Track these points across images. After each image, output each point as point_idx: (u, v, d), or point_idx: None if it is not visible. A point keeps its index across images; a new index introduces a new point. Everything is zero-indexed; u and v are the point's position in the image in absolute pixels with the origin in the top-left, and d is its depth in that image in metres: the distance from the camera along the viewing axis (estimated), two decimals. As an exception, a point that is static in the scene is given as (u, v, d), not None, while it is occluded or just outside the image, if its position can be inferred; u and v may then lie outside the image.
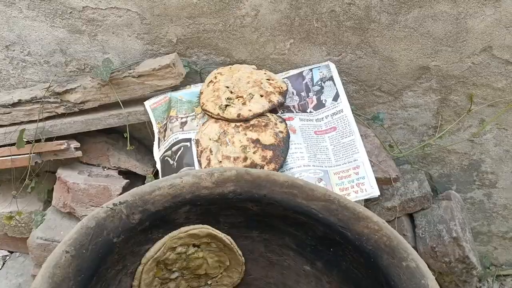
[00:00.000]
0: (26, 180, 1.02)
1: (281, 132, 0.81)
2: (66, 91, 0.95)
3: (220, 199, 0.54)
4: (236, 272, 0.63)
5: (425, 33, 0.91)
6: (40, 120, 0.97)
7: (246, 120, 0.82)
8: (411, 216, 1.12)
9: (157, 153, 0.89)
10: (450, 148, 1.10)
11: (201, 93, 0.91)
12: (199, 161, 0.81)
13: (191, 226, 0.56)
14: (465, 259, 1.00)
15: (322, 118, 0.87)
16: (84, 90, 0.95)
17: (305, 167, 0.78)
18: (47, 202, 1.16)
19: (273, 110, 0.86)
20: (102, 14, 0.95)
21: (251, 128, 0.81)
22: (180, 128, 0.88)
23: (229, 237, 0.59)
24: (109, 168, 1.07)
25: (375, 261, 0.48)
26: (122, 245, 0.49)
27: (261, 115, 0.83)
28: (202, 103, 0.88)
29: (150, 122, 0.94)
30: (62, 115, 0.99)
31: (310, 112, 0.89)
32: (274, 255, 0.62)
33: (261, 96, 0.85)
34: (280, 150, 0.78)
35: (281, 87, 0.88)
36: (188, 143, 0.84)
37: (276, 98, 0.86)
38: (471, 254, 1.00)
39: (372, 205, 1.06)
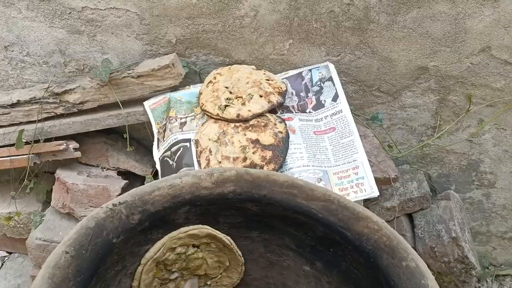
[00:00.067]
0: (25, 180, 1.02)
1: (281, 132, 0.81)
2: (65, 92, 0.95)
3: (219, 199, 0.54)
4: (235, 273, 0.63)
5: (423, 33, 0.92)
6: (39, 121, 0.97)
7: (246, 120, 0.82)
8: (410, 216, 1.12)
9: (156, 154, 0.89)
10: (449, 148, 1.10)
11: (200, 93, 0.91)
12: (198, 162, 0.81)
13: (191, 227, 0.56)
14: (464, 259, 1.00)
15: (322, 118, 0.87)
16: (83, 90, 0.95)
17: (304, 167, 0.78)
18: (46, 203, 1.15)
19: (272, 111, 0.86)
20: (101, 15, 0.94)
21: (250, 129, 0.81)
22: (180, 128, 0.88)
23: (228, 238, 0.59)
24: (108, 169, 1.07)
25: (375, 261, 0.48)
26: (122, 246, 0.49)
27: (260, 115, 0.84)
28: (202, 103, 0.88)
29: (149, 123, 0.94)
30: (61, 116, 0.99)
31: (310, 112, 0.89)
32: (274, 255, 0.62)
33: (261, 96, 0.85)
34: (280, 150, 0.78)
35: (281, 88, 0.89)
36: (187, 144, 0.84)
37: (275, 99, 0.86)
38: (470, 254, 1.01)
39: (372, 205, 1.06)
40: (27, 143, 0.97)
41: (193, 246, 0.58)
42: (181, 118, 0.89)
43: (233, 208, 0.56)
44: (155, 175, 1.03)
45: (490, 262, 1.29)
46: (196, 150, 0.82)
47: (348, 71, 0.99)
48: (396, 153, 1.06)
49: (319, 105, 0.89)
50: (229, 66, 0.97)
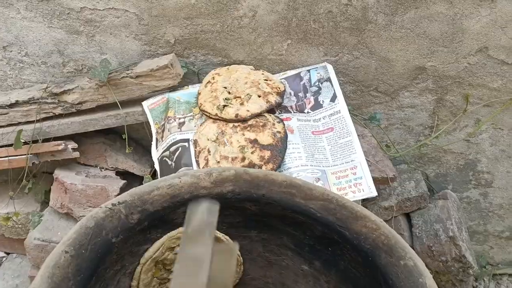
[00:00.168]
0: (24, 181, 1.02)
1: (279, 132, 0.81)
2: (64, 92, 0.95)
3: (218, 199, 0.54)
4: (234, 272, 0.63)
5: (421, 33, 0.92)
6: (38, 121, 0.97)
7: (244, 120, 0.83)
8: (408, 216, 1.12)
9: (155, 154, 0.89)
10: (446, 148, 1.10)
11: (199, 93, 0.91)
12: (197, 162, 0.81)
13: (190, 226, 0.56)
14: (462, 258, 1.00)
15: (320, 118, 0.88)
16: (81, 90, 0.95)
17: (302, 167, 0.78)
18: (44, 203, 1.15)
19: (271, 111, 0.87)
20: (100, 15, 0.95)
21: (249, 129, 0.81)
22: (178, 128, 0.88)
23: (227, 237, 0.59)
24: (106, 169, 1.07)
25: (373, 260, 0.48)
26: (121, 245, 0.49)
27: (259, 115, 0.84)
28: (200, 103, 0.88)
29: (148, 123, 0.94)
30: (60, 116, 0.98)
31: (308, 112, 0.89)
32: (272, 255, 0.63)
33: (259, 96, 0.85)
34: (278, 150, 0.79)
35: (279, 88, 0.89)
36: (186, 144, 0.84)
37: (273, 99, 0.86)
38: (467, 253, 1.01)
39: (370, 205, 1.06)
40: (25, 143, 0.97)
41: (192, 245, 0.58)
42: (179, 118, 0.89)
43: (231, 207, 0.56)
44: (153, 175, 1.04)
45: (487, 261, 1.29)
46: (195, 150, 0.83)
47: (346, 71, 1.00)
48: (394, 153, 1.07)
49: (317, 106, 0.89)
50: (227, 66, 0.97)
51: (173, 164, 0.83)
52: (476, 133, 1.07)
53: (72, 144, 1.00)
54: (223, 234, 0.58)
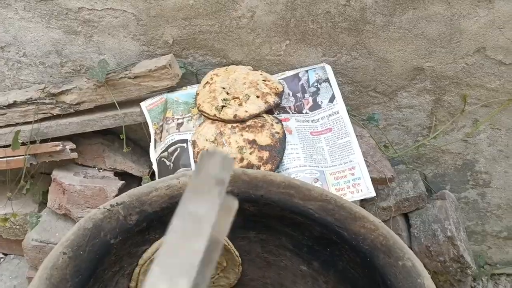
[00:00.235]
0: (21, 181, 1.02)
1: (277, 133, 0.81)
2: (62, 92, 0.95)
3: (217, 199, 0.54)
4: (233, 273, 0.63)
5: (419, 34, 0.92)
6: (36, 122, 0.97)
7: (243, 121, 0.83)
8: (406, 216, 1.13)
9: (153, 154, 0.89)
10: (444, 148, 1.10)
11: (197, 94, 0.91)
12: (195, 162, 0.81)
13: (188, 227, 0.56)
14: (460, 258, 1.01)
15: (318, 119, 0.88)
16: (79, 91, 0.94)
17: (301, 167, 0.78)
18: (42, 204, 1.15)
19: (269, 111, 0.87)
20: (98, 15, 0.94)
21: (247, 129, 0.81)
22: (177, 129, 0.88)
23: (226, 238, 0.59)
24: (104, 170, 1.07)
25: (371, 260, 0.48)
26: (119, 246, 0.49)
27: (257, 116, 0.84)
28: (199, 104, 0.88)
29: (146, 123, 0.94)
30: (58, 116, 0.98)
31: (306, 113, 0.89)
32: (271, 255, 0.63)
33: (257, 97, 0.85)
34: (277, 151, 0.79)
35: (277, 88, 0.89)
36: (184, 144, 0.84)
37: (272, 99, 0.86)
38: (465, 253, 1.01)
39: (368, 205, 1.06)
40: (23, 144, 0.96)
41: (191, 246, 0.58)
42: (178, 119, 0.89)
43: (230, 208, 0.56)
44: (152, 176, 1.03)
45: (486, 261, 1.30)
46: (193, 151, 0.82)
47: (344, 71, 1.00)
48: (392, 153, 1.07)
49: (315, 106, 0.89)
50: (226, 67, 0.97)
51: (172, 165, 0.83)
52: (474, 134, 1.07)
53: (70, 145, 1.00)
54: (222, 235, 0.58)
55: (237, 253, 0.61)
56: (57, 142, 0.98)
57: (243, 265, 0.63)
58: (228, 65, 0.99)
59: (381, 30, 0.92)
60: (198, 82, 0.98)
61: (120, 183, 1.02)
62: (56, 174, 1.03)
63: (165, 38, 0.97)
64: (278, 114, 0.88)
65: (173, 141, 0.86)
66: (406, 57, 0.96)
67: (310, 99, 0.90)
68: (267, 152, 0.78)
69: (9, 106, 0.97)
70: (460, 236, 1.03)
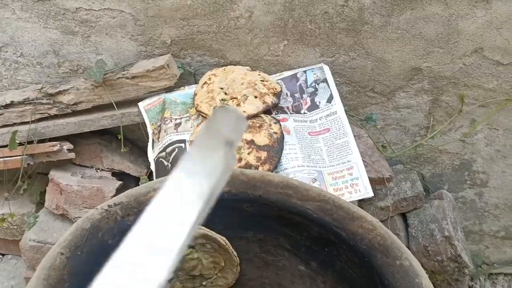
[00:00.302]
0: (19, 182, 1.02)
1: (276, 133, 0.81)
2: (59, 92, 0.95)
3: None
4: (231, 273, 0.63)
5: (417, 34, 0.92)
6: (33, 122, 0.96)
7: (241, 121, 0.82)
8: (404, 216, 1.13)
9: (151, 155, 0.89)
10: (442, 148, 1.11)
11: (195, 94, 0.91)
12: (193, 162, 0.81)
13: (186, 227, 0.56)
14: (457, 258, 1.01)
15: (316, 119, 0.88)
16: (77, 91, 0.94)
17: (299, 167, 0.78)
18: (40, 204, 1.15)
19: (267, 111, 0.87)
20: (95, 15, 0.94)
21: (245, 129, 0.81)
22: (175, 129, 0.88)
23: (224, 238, 0.59)
24: (102, 170, 1.07)
25: (369, 260, 0.48)
26: (117, 247, 0.49)
27: (255, 116, 0.84)
28: (197, 104, 0.88)
29: (144, 124, 0.94)
30: (55, 117, 0.98)
31: (304, 113, 0.89)
32: (269, 255, 0.63)
33: (256, 97, 0.85)
34: (275, 151, 0.79)
35: (275, 89, 0.89)
36: (182, 145, 0.84)
37: (270, 99, 0.86)
38: (463, 253, 1.02)
39: (366, 205, 1.07)
40: (20, 144, 0.96)
41: (189, 246, 0.58)
42: (176, 119, 0.89)
43: (228, 208, 0.56)
44: (149, 176, 1.03)
45: (483, 260, 1.30)
46: (191, 151, 0.82)
47: (342, 72, 1.00)
48: (390, 153, 1.07)
49: (313, 106, 0.89)
50: (224, 67, 0.97)
51: (170, 165, 0.83)
52: (472, 134, 1.07)
53: (67, 145, 1.00)
54: (220, 235, 0.58)
55: (235, 253, 0.61)
56: (54, 142, 0.98)
57: (241, 265, 0.63)
58: (226, 66, 0.99)
59: (379, 30, 0.93)
60: (196, 82, 0.98)
61: (118, 183, 1.02)
62: (54, 174, 1.03)
63: (163, 38, 0.97)
64: (276, 114, 0.88)
65: (171, 141, 0.86)
66: (404, 57, 0.96)
67: (308, 99, 0.90)
68: (265, 152, 0.78)
69: (6, 106, 0.97)
70: (458, 235, 1.04)
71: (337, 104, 0.87)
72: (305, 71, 0.94)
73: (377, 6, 0.89)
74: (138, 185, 0.54)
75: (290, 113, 0.90)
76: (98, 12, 0.94)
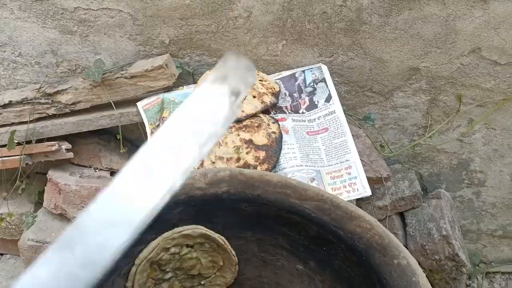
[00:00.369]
0: (17, 181, 1.01)
1: (274, 132, 0.81)
2: (57, 92, 0.95)
3: (213, 199, 0.54)
4: (229, 272, 0.64)
5: (415, 34, 0.93)
6: (31, 121, 0.96)
7: (239, 120, 0.83)
8: (401, 215, 1.13)
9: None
10: (440, 147, 1.11)
11: (194, 94, 0.91)
12: (192, 162, 0.81)
13: (185, 227, 0.57)
14: (455, 256, 1.01)
15: (315, 119, 0.88)
16: (75, 91, 0.94)
17: (297, 167, 0.78)
18: (38, 204, 1.15)
19: (265, 111, 0.87)
20: (93, 15, 0.94)
21: (244, 129, 0.81)
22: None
23: (222, 237, 0.59)
24: (101, 169, 1.07)
25: (367, 259, 0.49)
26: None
27: (254, 115, 0.84)
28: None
29: (142, 123, 0.94)
30: (53, 116, 0.98)
31: (303, 113, 0.89)
32: (268, 255, 0.63)
33: (254, 97, 0.86)
34: (273, 151, 0.79)
35: (274, 88, 0.89)
36: (181, 144, 0.84)
37: (268, 99, 0.86)
38: (460, 252, 1.02)
39: (364, 204, 1.07)
40: (19, 144, 0.96)
41: (187, 246, 0.58)
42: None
43: (227, 208, 0.56)
44: (148, 176, 1.03)
45: (481, 259, 1.31)
46: (190, 151, 0.82)
47: (340, 71, 1.00)
48: (388, 153, 1.07)
49: (312, 106, 0.89)
50: (222, 67, 0.97)
51: (168, 164, 0.83)
52: (469, 133, 1.08)
53: (65, 145, 1.00)
54: (219, 235, 0.59)
55: (233, 252, 0.61)
56: (52, 142, 0.98)
57: (240, 264, 0.63)
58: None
59: (377, 30, 0.93)
60: (195, 82, 0.98)
61: (117, 183, 1.02)
62: (52, 174, 1.03)
63: (162, 38, 0.97)
64: (274, 114, 0.89)
65: (169, 141, 0.86)
66: (402, 57, 0.96)
67: (307, 99, 0.91)
68: (264, 152, 0.78)
69: (5, 106, 0.96)
70: (455, 234, 1.04)
71: (336, 104, 0.88)
72: (303, 71, 0.94)
73: (375, 6, 0.89)
74: (137, 185, 0.54)
75: (289, 112, 0.90)
76: (97, 11, 0.94)
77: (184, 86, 0.97)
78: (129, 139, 1.13)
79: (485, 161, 1.12)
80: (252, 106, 0.84)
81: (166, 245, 0.55)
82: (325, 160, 0.82)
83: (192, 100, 0.22)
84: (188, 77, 1.02)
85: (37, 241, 1.02)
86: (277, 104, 0.90)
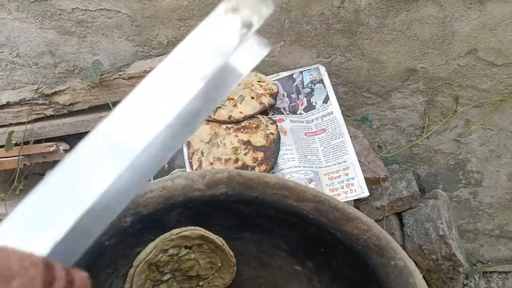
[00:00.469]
0: (15, 182, 1.01)
1: (272, 133, 0.81)
2: (55, 93, 0.95)
3: (212, 201, 0.55)
4: (227, 273, 0.64)
5: (412, 36, 0.93)
6: (29, 122, 0.96)
7: (237, 121, 0.83)
8: (399, 215, 1.14)
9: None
10: (437, 148, 1.12)
11: (192, 95, 0.91)
12: (190, 163, 0.82)
13: (183, 228, 0.57)
14: (452, 256, 1.02)
15: (312, 120, 0.88)
16: (73, 91, 0.94)
17: (295, 168, 0.79)
18: (36, 205, 1.14)
19: (264, 112, 0.87)
20: (91, 16, 0.94)
21: (242, 130, 0.81)
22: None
23: (220, 239, 0.59)
24: (99, 170, 1.07)
25: (364, 260, 0.49)
26: (114, 248, 0.49)
27: (252, 116, 0.84)
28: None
29: (140, 124, 0.94)
30: (51, 117, 0.98)
31: (301, 114, 0.90)
32: (266, 256, 0.63)
33: (252, 98, 0.86)
34: (271, 152, 0.79)
35: (272, 89, 0.89)
36: (179, 145, 0.85)
37: (267, 100, 0.86)
38: (457, 251, 1.03)
39: (362, 205, 1.07)
40: (16, 144, 0.96)
41: (185, 247, 0.58)
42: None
43: (225, 209, 0.56)
44: (146, 176, 1.03)
45: (478, 259, 1.31)
46: (188, 152, 0.83)
47: (338, 72, 1.01)
48: (386, 153, 1.08)
49: (310, 107, 0.90)
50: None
51: (166, 165, 0.83)
52: (466, 134, 1.08)
53: (63, 146, 1.00)
54: (217, 236, 0.59)
55: (232, 253, 0.61)
56: (50, 143, 0.98)
57: (238, 265, 0.63)
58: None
59: (374, 32, 0.93)
60: (193, 82, 0.99)
61: (115, 183, 1.02)
62: (50, 175, 1.03)
63: (160, 39, 0.97)
64: (272, 115, 0.89)
65: (167, 142, 0.86)
66: (399, 58, 0.97)
67: (305, 100, 0.91)
68: (262, 153, 0.78)
69: (2, 106, 0.96)
70: (452, 234, 1.05)
71: (333, 105, 0.88)
72: (301, 72, 0.94)
73: (372, 7, 0.90)
74: (135, 186, 0.54)
75: (287, 113, 0.90)
76: (95, 12, 0.93)
77: (182, 87, 0.97)
78: (127, 139, 1.13)
79: (481, 161, 1.13)
80: (250, 107, 0.84)
81: (164, 246, 0.56)
82: (323, 161, 0.82)
83: (198, 32, 0.20)
84: (186, 78, 1.02)
85: (35, 242, 1.01)
86: (275, 105, 0.90)
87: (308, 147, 0.84)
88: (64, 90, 0.94)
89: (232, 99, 0.86)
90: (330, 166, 0.81)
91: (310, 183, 0.77)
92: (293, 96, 0.92)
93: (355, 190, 0.77)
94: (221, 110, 0.84)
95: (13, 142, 0.94)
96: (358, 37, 0.94)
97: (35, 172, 1.13)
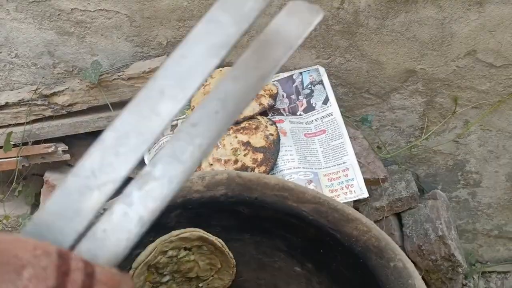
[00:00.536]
0: (14, 183, 1.01)
1: (272, 134, 0.81)
2: (54, 94, 0.95)
3: (211, 202, 0.55)
4: (227, 275, 0.64)
5: (411, 37, 0.93)
6: (28, 123, 0.96)
7: (237, 122, 0.83)
8: (398, 216, 1.14)
9: (147, 156, 0.89)
10: (436, 148, 1.12)
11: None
12: (189, 164, 0.81)
13: (182, 230, 0.57)
14: (451, 257, 1.02)
15: (312, 121, 0.88)
16: (72, 92, 0.94)
17: (295, 169, 0.79)
18: (35, 206, 1.14)
19: (263, 113, 0.87)
20: (90, 16, 0.94)
21: (241, 131, 0.81)
22: (171, 131, 0.88)
23: (220, 240, 0.59)
24: (98, 171, 1.06)
25: (363, 261, 0.49)
26: (114, 250, 0.49)
27: (251, 117, 0.84)
28: (193, 106, 0.88)
29: (140, 125, 0.93)
30: (50, 118, 0.98)
31: (300, 115, 0.90)
32: (265, 257, 0.63)
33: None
34: (271, 153, 0.79)
35: (272, 90, 0.89)
36: (178, 146, 0.84)
37: (266, 101, 0.86)
38: (456, 252, 1.03)
39: (361, 205, 1.07)
40: (15, 145, 0.96)
41: (185, 249, 0.58)
42: (172, 121, 0.89)
43: (224, 211, 0.56)
44: (146, 177, 1.03)
45: (477, 259, 1.31)
46: (187, 153, 0.83)
47: (338, 73, 1.01)
48: (385, 154, 1.08)
49: (309, 108, 0.90)
50: (220, 69, 0.97)
51: (166, 166, 0.83)
52: (465, 134, 1.08)
53: (62, 146, 0.99)
54: (216, 237, 0.59)
55: (231, 255, 0.61)
56: (49, 144, 0.97)
57: (238, 266, 0.63)
58: (223, 67, 0.99)
59: (374, 33, 0.93)
60: (192, 83, 0.98)
61: (114, 184, 1.02)
62: (49, 176, 1.03)
63: (159, 39, 0.97)
64: (272, 116, 0.89)
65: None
66: (398, 59, 0.97)
67: (304, 101, 0.91)
68: (262, 154, 0.78)
69: (1, 107, 0.96)
70: (451, 235, 1.05)
71: (333, 106, 0.88)
72: (301, 73, 0.94)
73: (372, 9, 0.90)
74: (135, 187, 0.54)
75: (286, 114, 0.90)
76: (94, 13, 0.93)
77: (182, 88, 0.97)
78: (126, 140, 1.13)
79: (480, 162, 1.13)
80: (250, 108, 0.84)
81: (163, 248, 0.56)
82: (323, 162, 0.82)
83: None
84: (185, 78, 1.01)
85: (33, 243, 1.01)
86: (275, 106, 0.90)
87: (308, 148, 0.84)
88: (63, 90, 0.94)
89: (232, 100, 0.85)
90: (329, 167, 0.81)
91: (309, 184, 0.77)
92: (293, 97, 0.92)
93: (354, 191, 0.77)
94: (221, 111, 0.83)
95: (12, 143, 0.94)
96: (358, 38, 0.94)
97: (33, 173, 1.13)
